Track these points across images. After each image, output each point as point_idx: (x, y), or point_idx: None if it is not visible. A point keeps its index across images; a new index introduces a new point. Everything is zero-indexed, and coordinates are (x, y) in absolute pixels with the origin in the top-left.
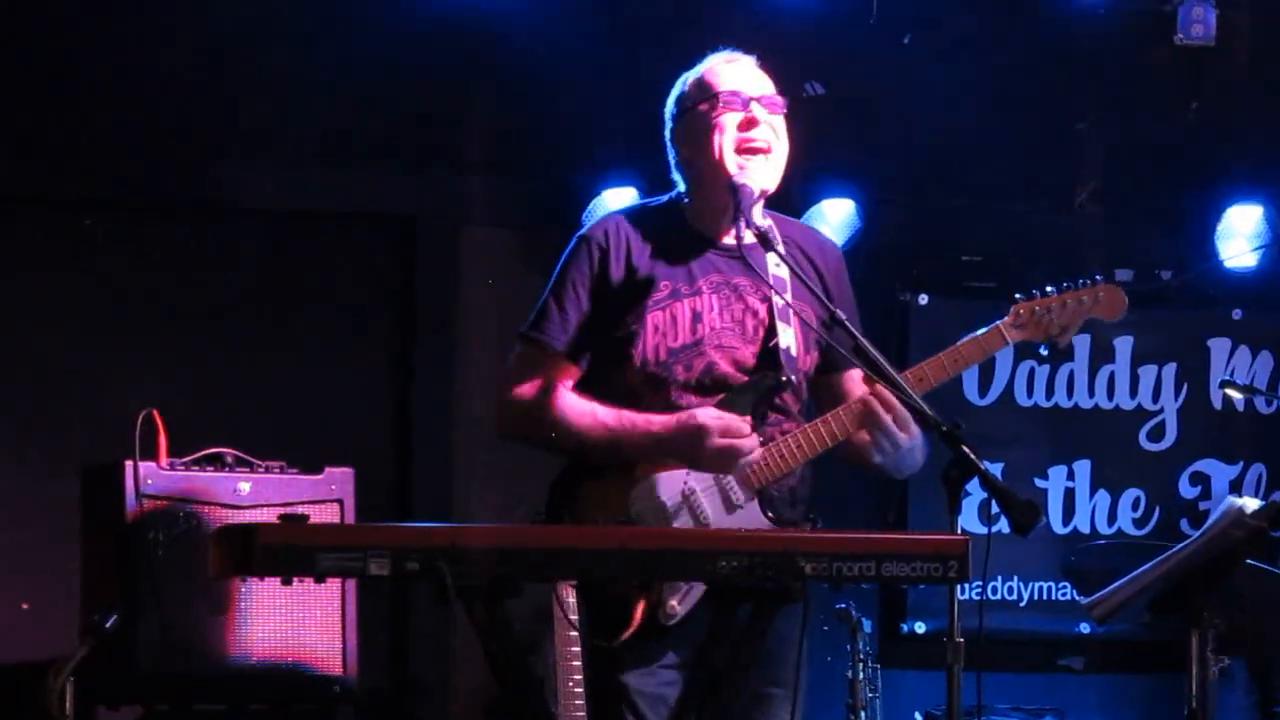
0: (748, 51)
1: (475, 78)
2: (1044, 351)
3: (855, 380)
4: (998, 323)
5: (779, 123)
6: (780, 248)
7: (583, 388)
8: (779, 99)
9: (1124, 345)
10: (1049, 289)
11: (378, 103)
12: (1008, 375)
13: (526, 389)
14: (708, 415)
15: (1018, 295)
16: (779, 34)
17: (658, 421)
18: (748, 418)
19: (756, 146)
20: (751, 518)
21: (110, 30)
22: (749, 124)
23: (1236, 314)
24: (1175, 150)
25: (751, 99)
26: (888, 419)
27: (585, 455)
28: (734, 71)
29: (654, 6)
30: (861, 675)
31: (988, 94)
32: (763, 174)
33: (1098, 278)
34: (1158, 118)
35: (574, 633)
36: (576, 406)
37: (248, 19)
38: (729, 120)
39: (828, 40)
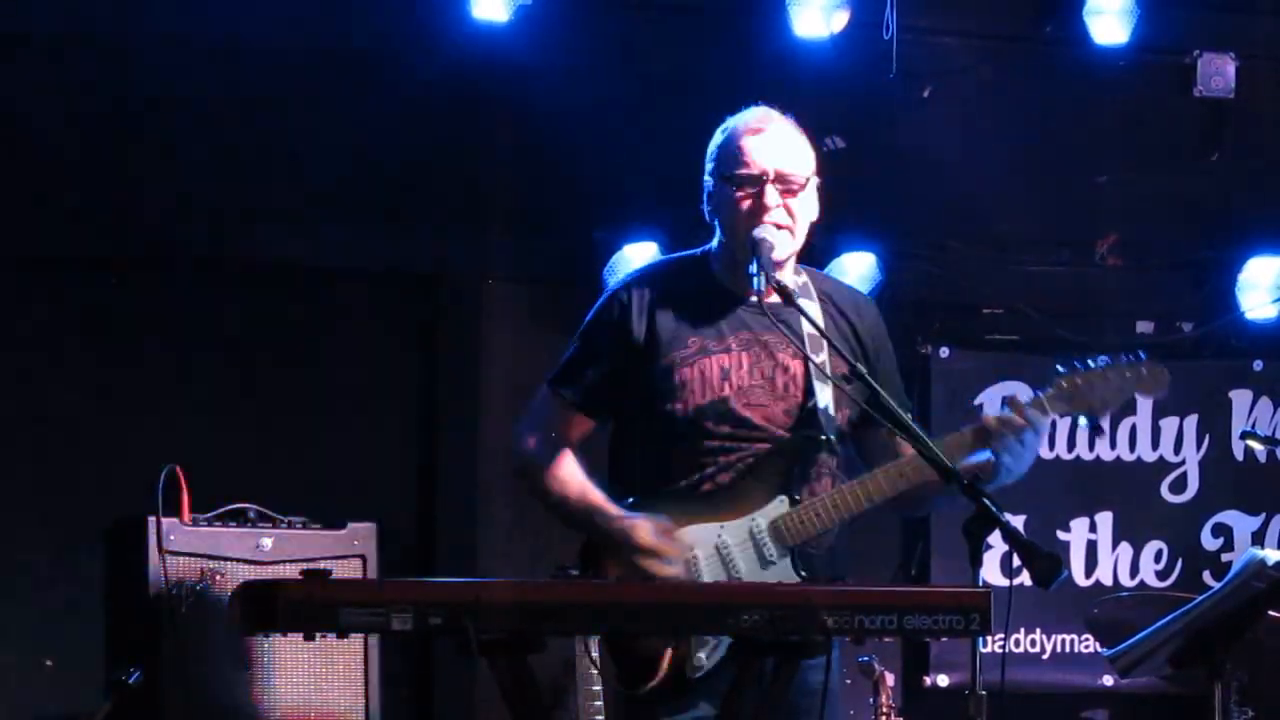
0: (771, 102)
1: (498, 137)
2: (1085, 426)
3: (892, 439)
4: (1040, 395)
5: (796, 201)
6: (815, 303)
7: (618, 436)
8: (799, 177)
9: (1146, 401)
10: (1091, 363)
11: (402, 162)
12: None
13: (535, 438)
14: (645, 531)
15: (1060, 368)
16: (800, 89)
17: (609, 518)
18: (689, 545)
19: (768, 224)
20: (784, 574)
21: (136, 94)
22: (764, 209)
23: (1258, 365)
24: (1196, 202)
25: (769, 182)
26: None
27: (567, 520)
28: (760, 143)
29: (675, 64)
30: None
31: (1007, 147)
32: (779, 247)
33: (1141, 355)
34: (1178, 170)
35: (598, 686)
36: (565, 474)
37: (279, 83)
38: (746, 202)
39: (848, 94)
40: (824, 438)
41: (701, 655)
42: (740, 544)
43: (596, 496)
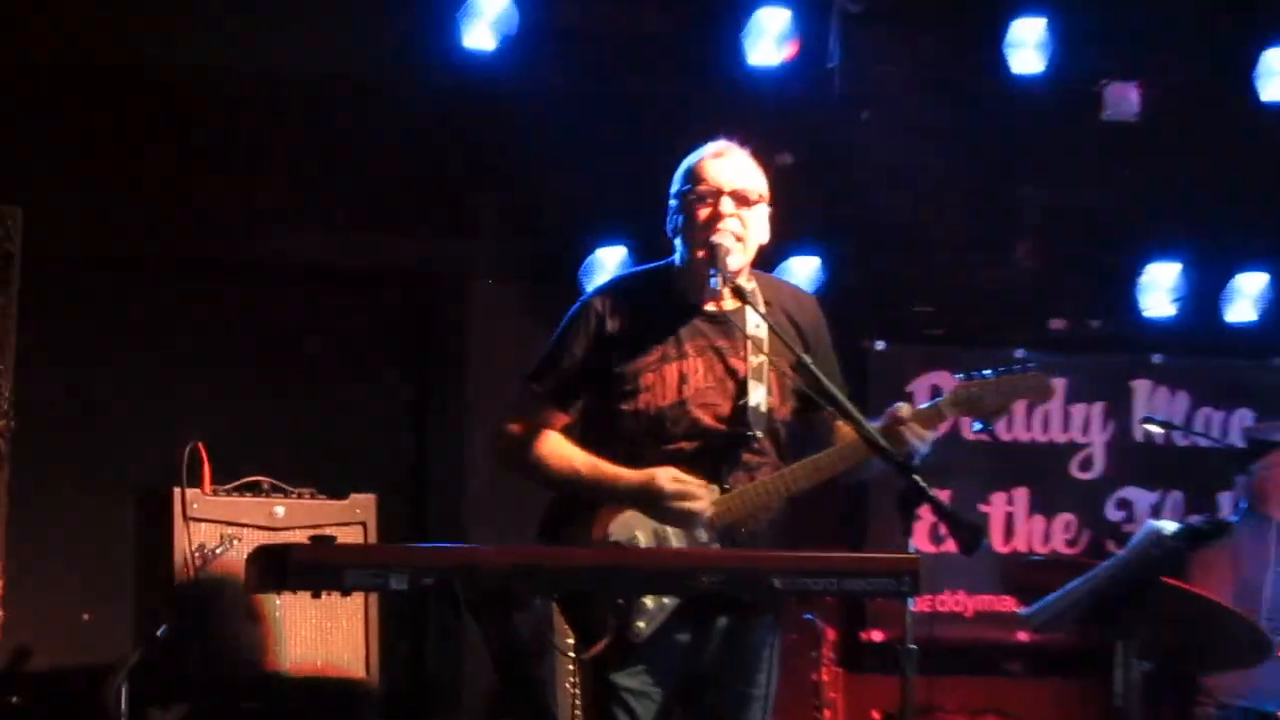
0: (726, 127)
1: (485, 151)
2: (977, 429)
3: (833, 421)
4: (938, 400)
5: (750, 213)
6: (761, 307)
7: (587, 431)
8: (752, 194)
9: (1057, 386)
10: (986, 372)
11: (400, 174)
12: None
13: (517, 427)
14: (666, 478)
15: (958, 376)
16: (752, 111)
17: (624, 477)
18: (703, 482)
19: (724, 242)
20: None
21: (177, 120)
22: (720, 218)
23: (1156, 358)
24: (1102, 214)
25: (725, 194)
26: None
27: (558, 492)
28: (717, 165)
29: (643, 88)
30: (826, 678)
31: (938, 163)
32: (733, 256)
33: (1030, 366)
34: (1088, 185)
35: (569, 640)
36: (557, 451)
37: (297, 105)
38: (704, 211)
39: (795, 116)
40: (751, 434)
41: (640, 624)
42: (675, 529)
43: (603, 464)
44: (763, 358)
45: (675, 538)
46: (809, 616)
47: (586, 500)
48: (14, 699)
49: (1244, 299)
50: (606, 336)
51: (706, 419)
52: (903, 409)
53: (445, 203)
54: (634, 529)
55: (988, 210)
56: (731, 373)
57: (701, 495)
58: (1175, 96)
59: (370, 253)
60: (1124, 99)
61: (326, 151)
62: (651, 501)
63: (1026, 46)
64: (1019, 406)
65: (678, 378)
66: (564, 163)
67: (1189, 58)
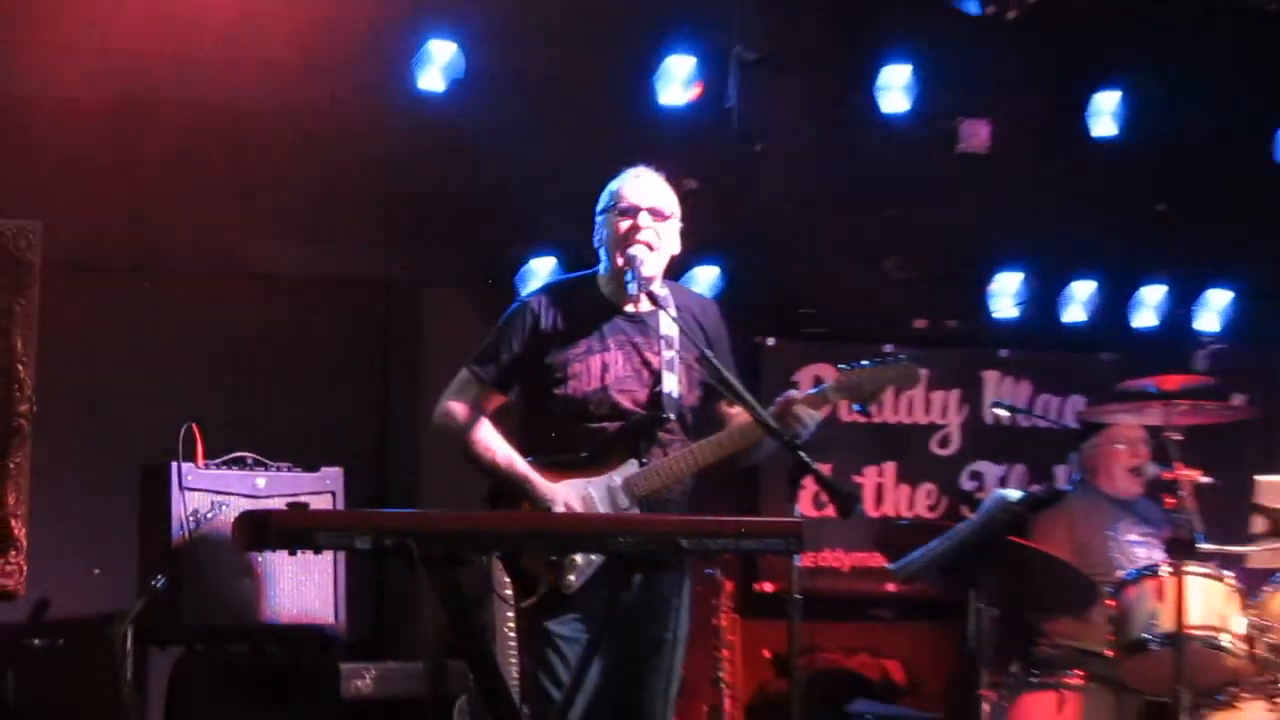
0: (642, 156)
1: (437, 177)
2: (856, 409)
3: (729, 409)
4: (824, 387)
5: (663, 226)
6: (672, 309)
7: (525, 412)
8: (665, 210)
9: (922, 375)
10: (864, 363)
11: (365, 195)
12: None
13: (459, 408)
14: (558, 498)
15: (841, 366)
16: (664, 144)
17: (532, 483)
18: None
19: (640, 253)
20: None
21: (174, 155)
22: (637, 230)
23: (1003, 353)
24: (958, 230)
25: (642, 210)
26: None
27: (477, 470)
28: (635, 186)
29: (571, 123)
30: (725, 623)
31: (821, 185)
32: (648, 264)
33: (900, 358)
34: (947, 206)
35: (508, 593)
36: (484, 439)
37: (275, 135)
38: (624, 225)
39: (700, 146)
40: (665, 416)
41: (571, 578)
42: (601, 495)
43: (519, 463)
44: (674, 352)
45: (601, 504)
46: (711, 571)
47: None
48: (36, 641)
49: (1076, 303)
50: (540, 332)
51: (625, 403)
52: (794, 394)
53: (404, 221)
54: (566, 498)
55: (862, 228)
56: (647, 364)
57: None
58: (1019, 131)
59: (341, 264)
60: (976, 133)
61: (308, 178)
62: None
63: (894, 89)
64: (889, 396)
65: (600, 367)
66: (503, 186)
67: (1032, 98)
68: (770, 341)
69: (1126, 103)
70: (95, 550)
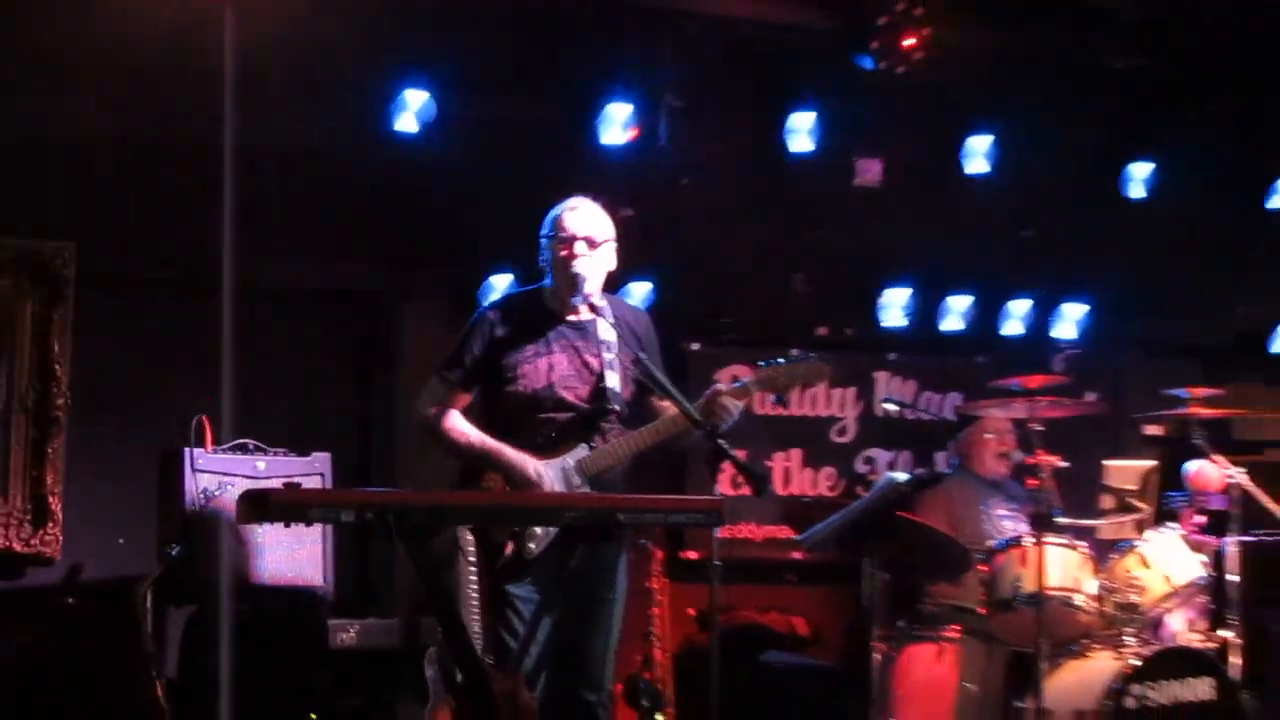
0: (585, 188)
1: (412, 205)
2: (773, 401)
3: (660, 400)
4: (746, 381)
5: (598, 251)
6: (610, 318)
7: (481, 408)
8: (599, 238)
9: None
10: (779, 360)
11: (351, 220)
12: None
13: (435, 408)
14: (533, 471)
15: (759, 363)
16: (605, 177)
17: (506, 455)
18: (559, 460)
19: (580, 270)
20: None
21: (196, 179)
22: (574, 257)
23: (892, 356)
24: (855, 251)
25: (579, 239)
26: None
27: (457, 458)
28: (573, 217)
29: (526, 158)
30: (656, 585)
31: (738, 214)
32: (589, 281)
33: (811, 356)
34: (845, 231)
35: (473, 559)
36: (458, 427)
37: (275, 171)
38: (564, 251)
39: (635, 180)
40: (610, 407)
41: (532, 545)
42: (556, 476)
43: (493, 442)
44: (612, 354)
45: (557, 482)
46: (644, 542)
47: (476, 460)
48: (69, 599)
49: (954, 314)
50: (496, 338)
51: (569, 398)
52: (720, 387)
53: (384, 244)
54: (526, 476)
55: (773, 249)
56: (587, 365)
57: (552, 483)
58: (906, 168)
59: (331, 280)
60: (869, 170)
61: (305, 207)
62: (517, 480)
63: (800, 132)
64: (795, 393)
65: (547, 368)
66: (468, 213)
67: (917, 141)
68: (695, 346)
69: (996, 145)
70: (120, 523)
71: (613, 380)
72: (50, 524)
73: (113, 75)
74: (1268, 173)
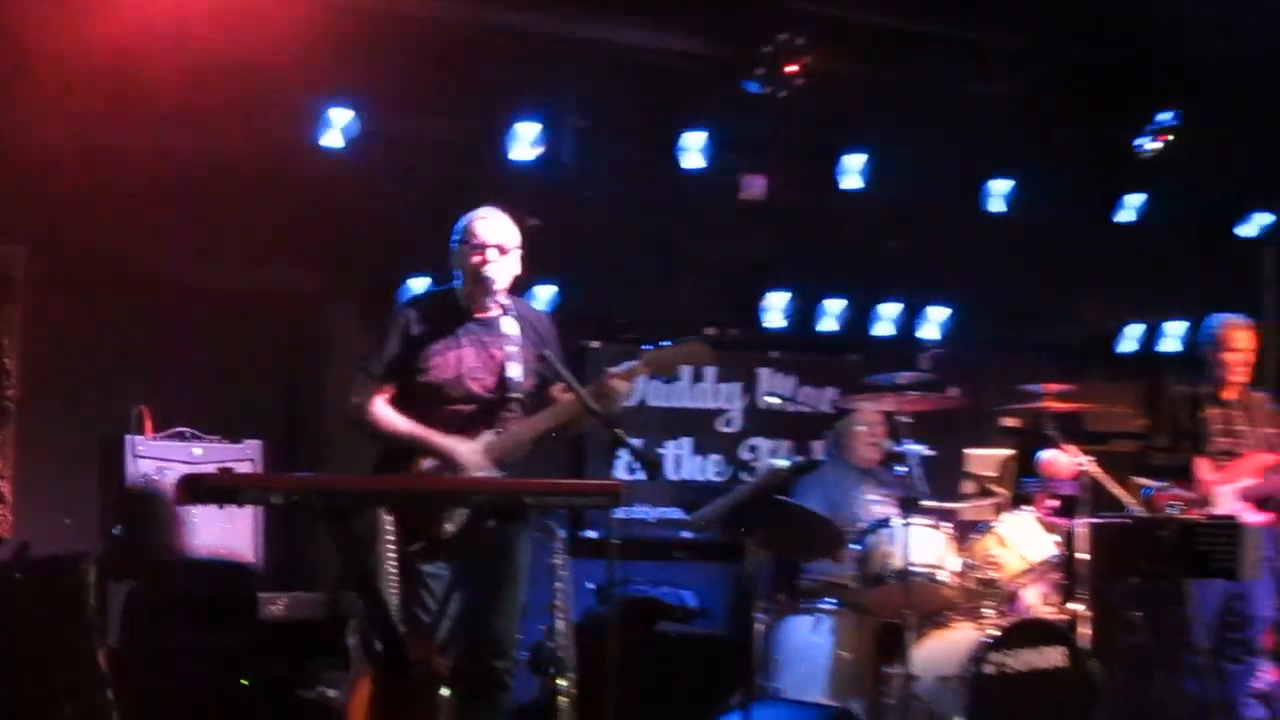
0: (496, 199)
1: (337, 213)
2: (660, 382)
3: (560, 390)
4: (634, 363)
5: (506, 257)
6: (514, 315)
7: (398, 396)
8: (508, 244)
9: (711, 371)
10: (664, 344)
11: (280, 227)
12: (643, 387)
13: (361, 401)
14: (458, 451)
15: (645, 346)
16: (514, 190)
17: (433, 439)
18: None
19: (490, 274)
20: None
21: (137, 189)
22: (485, 263)
23: (774, 353)
24: (740, 258)
25: (490, 246)
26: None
27: (383, 444)
28: (485, 225)
29: (442, 171)
30: (559, 561)
31: (634, 224)
32: (497, 281)
33: (692, 338)
34: (731, 241)
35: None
36: (385, 415)
37: (213, 179)
38: (476, 258)
39: (543, 193)
40: (512, 396)
41: (448, 526)
42: (476, 457)
43: (419, 427)
44: (515, 348)
45: (469, 469)
46: (548, 521)
47: (400, 448)
48: (17, 575)
49: (830, 316)
50: (411, 334)
51: (476, 388)
52: (611, 370)
53: (311, 249)
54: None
55: (666, 256)
56: (493, 358)
57: (474, 466)
58: (788, 184)
59: (262, 282)
60: (754, 185)
61: (238, 216)
62: (445, 460)
63: (692, 150)
64: (686, 386)
65: (456, 360)
66: (387, 221)
67: (798, 159)
68: (594, 344)
69: (870, 163)
70: (66, 504)
71: (515, 372)
72: (0, 505)
73: (65, 88)
74: (1114, 190)
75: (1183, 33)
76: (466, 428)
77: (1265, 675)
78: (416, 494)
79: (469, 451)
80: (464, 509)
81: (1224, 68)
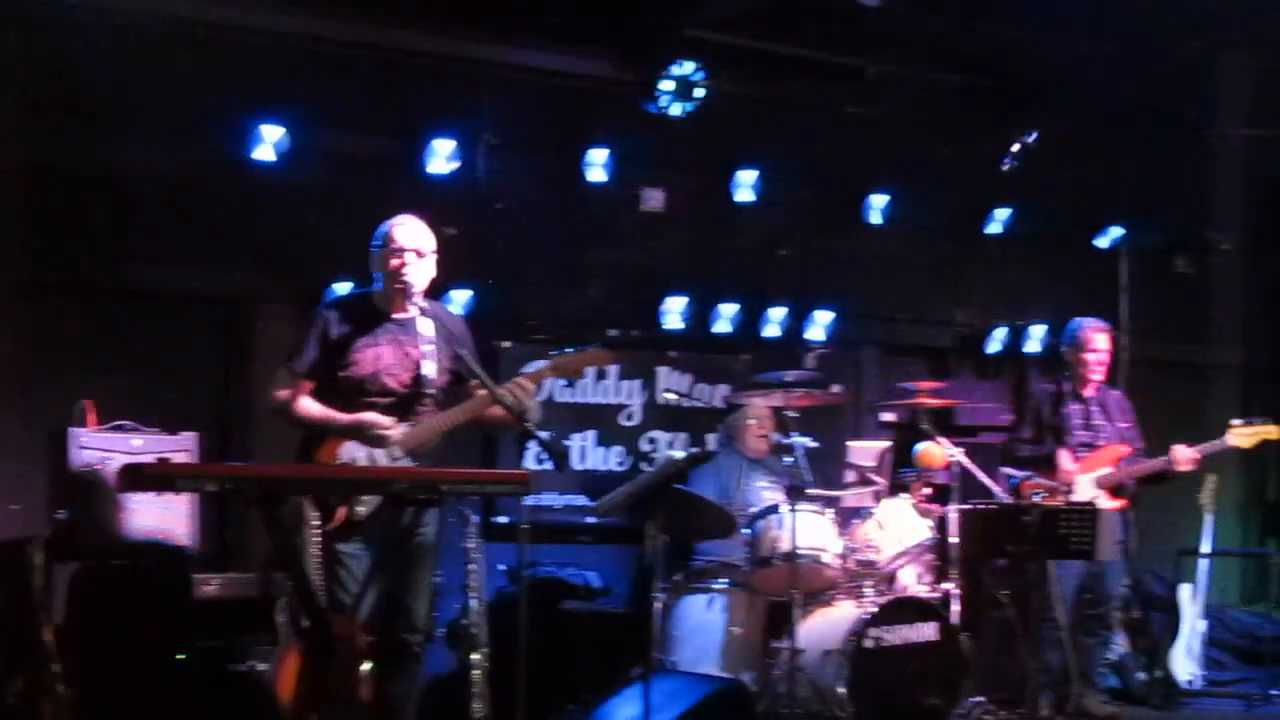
0: (415, 207)
1: (268, 222)
2: (563, 384)
3: (476, 387)
4: (541, 366)
5: (422, 262)
6: (430, 316)
7: (320, 391)
8: (425, 249)
9: (614, 370)
10: (568, 349)
11: (216, 233)
12: (550, 384)
13: (284, 393)
14: (372, 417)
15: (552, 352)
16: (433, 200)
17: (342, 419)
18: (393, 417)
19: (408, 277)
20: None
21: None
22: (404, 265)
23: (672, 353)
24: (641, 265)
25: (408, 250)
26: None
27: (305, 432)
28: (403, 230)
29: (366, 183)
30: (472, 545)
31: (544, 233)
32: (414, 285)
33: (594, 345)
34: (634, 248)
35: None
36: (305, 406)
37: (156, 193)
38: (394, 262)
39: (459, 203)
40: (426, 392)
41: (361, 509)
42: (380, 452)
43: (334, 411)
44: (430, 347)
45: (382, 458)
46: (462, 508)
47: (320, 437)
48: None
49: (723, 319)
50: (332, 333)
51: (392, 384)
52: (522, 371)
53: (244, 255)
54: (355, 454)
55: (573, 263)
56: (408, 355)
57: (390, 426)
58: (685, 197)
59: (199, 284)
60: (653, 197)
61: (177, 222)
62: (361, 431)
63: (596, 165)
64: (591, 383)
65: (374, 358)
66: (314, 228)
67: (695, 174)
68: (506, 344)
69: (760, 178)
70: (14, 492)
71: (429, 369)
72: None
73: (14, 104)
74: (983, 204)
75: (1042, 61)
76: (388, 416)
77: (1118, 647)
78: (339, 482)
79: (383, 421)
80: (376, 495)
81: (1081, 93)
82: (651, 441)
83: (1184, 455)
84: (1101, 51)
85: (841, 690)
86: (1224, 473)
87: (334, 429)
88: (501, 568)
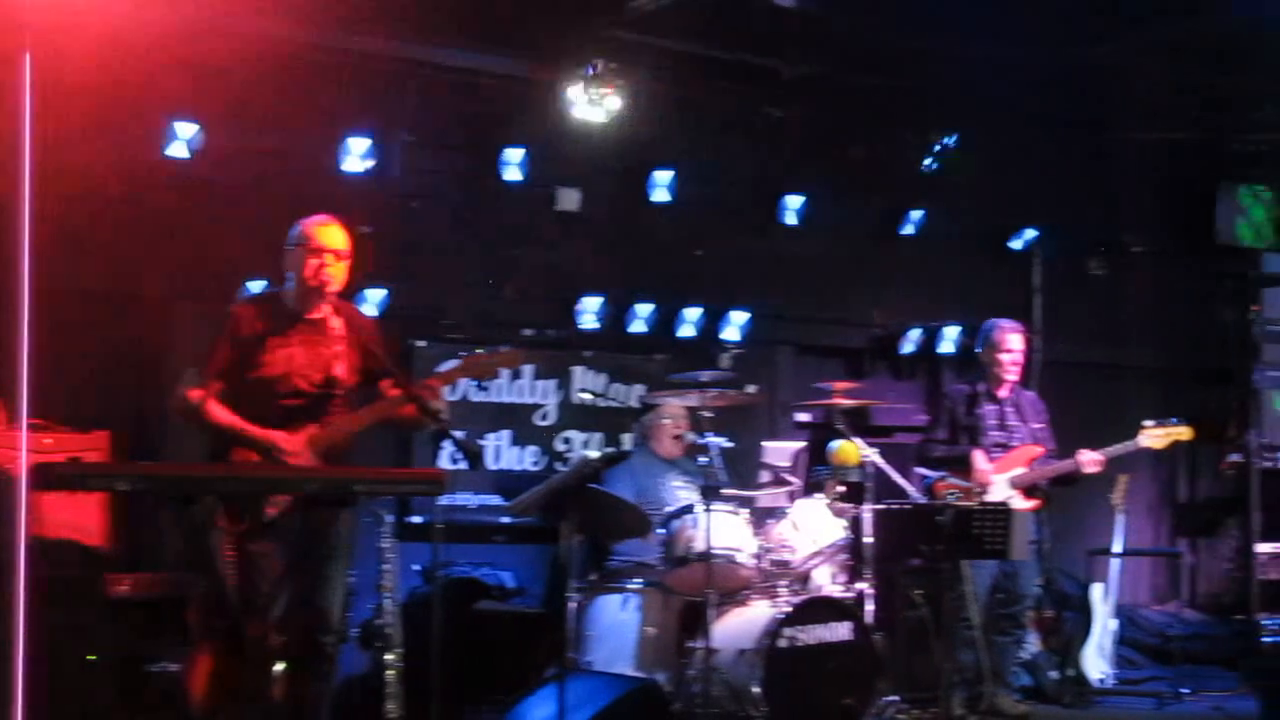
0: (330, 206)
1: (184, 220)
2: (478, 384)
3: (386, 386)
4: (453, 366)
5: (338, 262)
6: (340, 318)
7: (231, 391)
8: (341, 252)
9: (529, 370)
10: (480, 350)
11: (130, 229)
12: (464, 384)
13: (190, 391)
14: (278, 441)
15: (461, 353)
16: (347, 200)
17: (255, 433)
18: (297, 436)
19: (324, 278)
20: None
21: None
22: (322, 266)
23: (587, 353)
24: (557, 265)
25: (326, 251)
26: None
27: (217, 435)
28: (320, 231)
29: (280, 185)
30: (387, 545)
31: (459, 232)
32: (329, 286)
33: (507, 346)
34: (548, 248)
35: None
36: (213, 411)
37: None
38: (312, 260)
39: (374, 202)
40: (336, 393)
41: (270, 510)
42: (299, 448)
43: (241, 421)
44: (341, 347)
45: (290, 459)
46: (376, 507)
47: (226, 440)
48: None
49: (639, 319)
50: (243, 333)
51: (304, 385)
52: (435, 372)
53: (156, 253)
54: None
55: (489, 262)
56: (320, 356)
57: (295, 451)
58: (602, 198)
59: (110, 281)
60: (569, 197)
61: (90, 220)
62: (269, 453)
63: (512, 164)
64: (506, 383)
65: (286, 358)
66: (228, 227)
67: (612, 175)
68: (420, 343)
69: (676, 178)
70: None
71: (339, 370)
72: None
73: None
74: (897, 205)
75: (957, 63)
76: (293, 421)
77: (1030, 646)
78: (252, 481)
79: (289, 442)
80: (286, 495)
81: (997, 95)
82: (567, 441)
83: (1089, 458)
84: (1017, 55)
85: (756, 690)
86: (1135, 473)
87: (242, 440)
88: (416, 568)
